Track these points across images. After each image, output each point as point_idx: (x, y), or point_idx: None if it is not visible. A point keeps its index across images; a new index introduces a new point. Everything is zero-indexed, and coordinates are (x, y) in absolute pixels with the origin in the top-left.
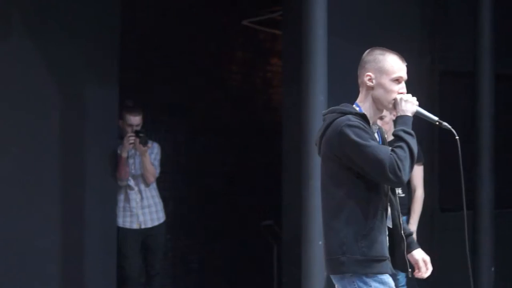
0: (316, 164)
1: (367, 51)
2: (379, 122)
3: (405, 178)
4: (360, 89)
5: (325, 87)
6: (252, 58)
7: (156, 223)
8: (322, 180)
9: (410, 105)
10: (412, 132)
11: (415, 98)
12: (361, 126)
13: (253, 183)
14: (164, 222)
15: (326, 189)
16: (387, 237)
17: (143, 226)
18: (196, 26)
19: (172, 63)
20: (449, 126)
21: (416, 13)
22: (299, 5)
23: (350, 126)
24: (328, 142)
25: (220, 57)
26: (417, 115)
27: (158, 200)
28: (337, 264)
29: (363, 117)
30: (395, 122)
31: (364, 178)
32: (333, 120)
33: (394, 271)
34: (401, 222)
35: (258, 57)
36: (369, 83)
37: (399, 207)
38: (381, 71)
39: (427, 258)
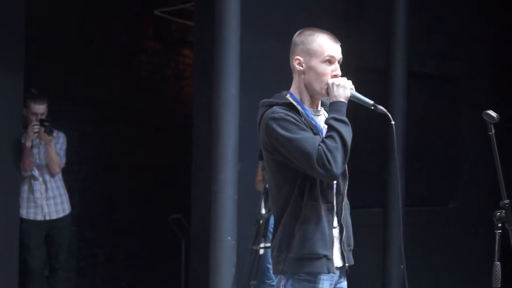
0: (226, 158)
1: (297, 32)
2: None
3: (337, 171)
4: (293, 75)
5: (237, 80)
6: (163, 49)
7: (61, 214)
8: (268, 182)
9: (342, 89)
10: (345, 119)
11: (350, 82)
12: (287, 117)
13: (163, 176)
14: (70, 214)
15: (271, 191)
16: (332, 232)
17: (47, 218)
18: (106, 14)
19: (80, 52)
20: (385, 110)
21: (331, 7)
22: None
23: (274, 119)
24: (261, 139)
25: (130, 47)
26: (352, 100)
27: (63, 191)
28: (276, 263)
29: (290, 106)
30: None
31: (301, 174)
32: (262, 115)
33: (333, 270)
34: (342, 207)
35: (169, 48)
36: (299, 68)
37: (345, 191)
38: (310, 53)
39: None
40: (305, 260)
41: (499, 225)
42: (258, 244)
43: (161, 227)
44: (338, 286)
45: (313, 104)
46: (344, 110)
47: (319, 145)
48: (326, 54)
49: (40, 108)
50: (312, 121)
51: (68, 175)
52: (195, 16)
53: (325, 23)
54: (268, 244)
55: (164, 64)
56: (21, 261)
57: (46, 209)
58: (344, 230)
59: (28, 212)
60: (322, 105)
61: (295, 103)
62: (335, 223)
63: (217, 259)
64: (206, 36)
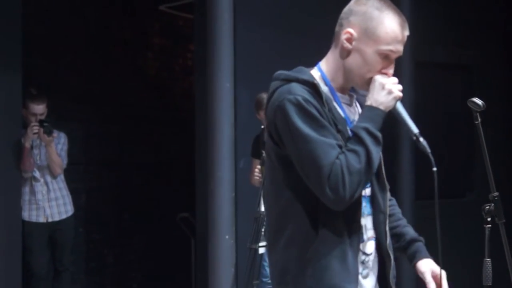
0: (222, 155)
1: None
2: None
3: (349, 198)
4: (332, 46)
5: (231, 74)
6: (170, 45)
7: (64, 216)
8: (265, 184)
9: (388, 96)
10: (379, 135)
11: (399, 87)
12: (307, 105)
13: (171, 174)
14: (73, 215)
15: (267, 196)
16: (362, 257)
17: (50, 220)
18: (109, 10)
19: (83, 50)
20: (428, 149)
21: None
22: None
23: (291, 102)
24: (268, 121)
25: (135, 44)
26: (392, 113)
27: (66, 193)
28: None
29: (313, 88)
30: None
31: None
32: (274, 91)
33: None
34: (386, 230)
35: (176, 44)
36: (346, 44)
37: (387, 208)
38: (368, 34)
39: (439, 271)
40: None
41: (489, 219)
42: (257, 242)
43: (170, 226)
44: None
45: (344, 89)
46: (381, 122)
47: (337, 158)
48: (387, 47)
49: (39, 108)
50: (341, 112)
51: (74, 175)
52: (194, 10)
53: (324, 12)
54: None
55: (171, 60)
56: (24, 264)
57: (48, 211)
58: (392, 258)
59: (30, 214)
60: (353, 91)
61: (322, 84)
62: (368, 249)
63: (215, 259)
64: (203, 30)
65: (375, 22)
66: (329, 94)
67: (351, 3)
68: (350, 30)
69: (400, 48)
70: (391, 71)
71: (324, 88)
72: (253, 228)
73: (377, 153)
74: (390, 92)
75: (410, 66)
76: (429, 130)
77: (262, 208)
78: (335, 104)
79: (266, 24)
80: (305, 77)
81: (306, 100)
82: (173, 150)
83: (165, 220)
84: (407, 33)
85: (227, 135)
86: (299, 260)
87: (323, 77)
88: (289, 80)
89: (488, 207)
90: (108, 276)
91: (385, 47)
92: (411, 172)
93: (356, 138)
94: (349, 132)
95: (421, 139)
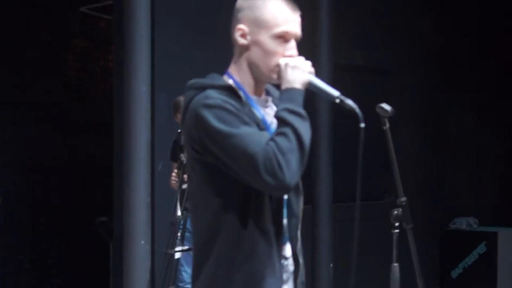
0: (138, 160)
1: None
2: None
3: (290, 180)
4: (234, 50)
5: (148, 77)
6: (91, 47)
7: None
8: (189, 194)
9: (299, 73)
10: (302, 111)
11: (308, 63)
12: (226, 105)
13: (89, 177)
14: None
15: (193, 207)
16: (282, 265)
17: None
18: (29, 11)
19: (0, 51)
20: (354, 106)
21: None
22: None
23: (208, 106)
24: (186, 132)
25: (55, 45)
26: (309, 88)
27: None
28: None
29: (230, 91)
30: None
31: (241, 183)
32: (190, 101)
33: None
34: (298, 234)
35: (98, 46)
36: (242, 41)
37: (300, 213)
38: (258, 23)
39: None
40: None
41: (397, 224)
42: (174, 247)
43: (89, 230)
44: None
45: (258, 91)
46: (301, 99)
47: (267, 144)
48: (279, 28)
49: None
50: (257, 113)
51: None
52: (113, 11)
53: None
54: (186, 247)
55: (92, 62)
56: None
57: None
58: (300, 263)
59: None
60: (268, 94)
61: (235, 88)
62: (287, 253)
63: (130, 264)
64: (120, 32)
65: (260, 9)
66: (245, 98)
67: (237, 2)
68: (241, 26)
69: (294, 28)
70: (293, 52)
71: (239, 92)
72: (170, 232)
73: (305, 129)
74: (296, 68)
75: (329, 69)
76: (348, 133)
77: (179, 213)
78: (251, 105)
79: (186, 26)
80: (220, 82)
81: (224, 101)
82: (93, 153)
83: (84, 224)
84: (298, 13)
85: (144, 139)
86: (229, 265)
87: (236, 83)
88: (204, 88)
89: (396, 212)
90: (24, 282)
91: (277, 30)
92: (329, 174)
93: (280, 121)
94: (269, 131)
95: (346, 100)
